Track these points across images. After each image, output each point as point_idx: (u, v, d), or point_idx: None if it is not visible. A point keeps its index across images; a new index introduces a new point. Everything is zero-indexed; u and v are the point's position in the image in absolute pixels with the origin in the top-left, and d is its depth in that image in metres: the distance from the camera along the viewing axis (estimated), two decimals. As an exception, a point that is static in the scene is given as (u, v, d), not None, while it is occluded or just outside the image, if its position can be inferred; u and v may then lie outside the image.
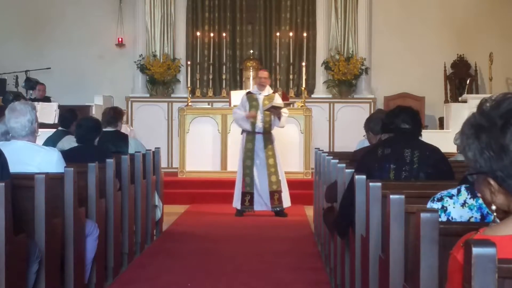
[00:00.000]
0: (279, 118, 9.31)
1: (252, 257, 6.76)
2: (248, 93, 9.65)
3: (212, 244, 7.44)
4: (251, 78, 13.10)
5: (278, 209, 9.34)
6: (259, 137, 9.38)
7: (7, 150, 4.14)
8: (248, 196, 9.36)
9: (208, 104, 12.86)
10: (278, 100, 9.42)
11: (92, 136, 6.08)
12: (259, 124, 9.35)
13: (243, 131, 9.50)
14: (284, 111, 9.38)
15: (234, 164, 11.44)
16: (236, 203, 9.41)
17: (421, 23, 13.59)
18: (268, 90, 9.54)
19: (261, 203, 9.35)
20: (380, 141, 4.70)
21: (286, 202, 9.42)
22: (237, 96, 12.06)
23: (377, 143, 4.91)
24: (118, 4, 13.69)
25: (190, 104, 12.08)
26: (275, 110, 9.27)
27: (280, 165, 9.47)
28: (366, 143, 6.14)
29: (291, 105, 11.75)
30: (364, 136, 6.08)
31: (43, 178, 4.09)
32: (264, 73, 9.68)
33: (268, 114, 9.33)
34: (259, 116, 9.35)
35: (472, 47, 13.57)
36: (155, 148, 8.17)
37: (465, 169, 3.85)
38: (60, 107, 10.42)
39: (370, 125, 5.65)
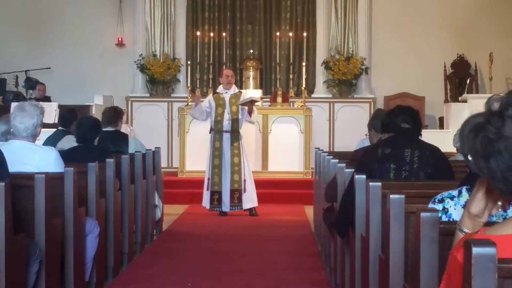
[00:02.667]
0: (251, 114, 9.36)
1: (252, 256, 6.76)
2: (215, 93, 9.69)
3: (212, 244, 7.44)
4: (251, 77, 13.10)
5: (238, 208, 9.32)
6: (226, 136, 9.41)
7: (6, 150, 4.15)
8: (216, 195, 9.36)
9: (208, 104, 12.85)
10: (248, 96, 9.59)
11: (92, 135, 6.07)
12: (226, 123, 9.39)
13: (211, 130, 9.53)
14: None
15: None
16: (204, 203, 9.42)
17: (421, 23, 13.59)
18: (234, 89, 9.59)
19: (225, 204, 9.33)
20: (380, 141, 4.70)
21: (253, 202, 9.37)
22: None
23: (377, 143, 4.91)
24: (118, 4, 13.69)
25: (190, 104, 12.07)
26: (250, 104, 9.33)
27: (247, 164, 9.45)
28: (366, 143, 6.15)
29: (292, 105, 11.77)
30: (366, 135, 6.08)
31: (43, 178, 4.09)
32: (230, 72, 9.78)
33: (235, 113, 9.35)
34: (226, 115, 9.39)
35: (472, 46, 13.57)
36: (155, 148, 8.16)
37: (465, 169, 3.86)
38: (60, 107, 10.42)
39: (373, 122, 5.65)
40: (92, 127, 6.11)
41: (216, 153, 9.42)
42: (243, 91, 9.91)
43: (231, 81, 9.56)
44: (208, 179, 9.40)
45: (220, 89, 9.64)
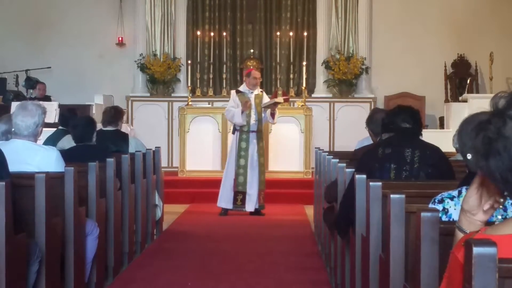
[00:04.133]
0: (273, 116, 9.35)
1: (252, 256, 6.76)
2: (238, 91, 9.62)
3: (212, 243, 7.44)
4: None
5: (259, 208, 9.34)
6: (253, 136, 9.39)
7: (6, 149, 4.14)
8: (240, 195, 9.33)
9: (209, 104, 12.87)
10: (267, 99, 9.59)
11: (89, 132, 6.05)
12: (253, 123, 9.37)
13: (234, 130, 9.49)
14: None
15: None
16: (223, 203, 9.37)
17: (421, 23, 13.59)
18: (257, 90, 9.59)
19: (251, 204, 9.32)
20: (381, 141, 4.69)
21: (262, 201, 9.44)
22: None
23: (377, 143, 4.91)
24: (119, 4, 13.69)
25: (190, 103, 12.08)
26: (273, 106, 9.33)
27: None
28: (366, 142, 6.14)
29: (292, 104, 11.78)
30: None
31: (43, 177, 4.09)
32: (259, 74, 9.78)
33: (260, 113, 9.35)
34: (253, 115, 9.36)
35: (473, 46, 13.57)
36: (156, 147, 8.16)
37: (465, 169, 3.85)
38: (60, 106, 10.42)
39: (370, 126, 5.64)
40: (86, 124, 6.11)
41: (242, 153, 9.36)
42: (264, 93, 9.85)
43: (258, 83, 9.55)
44: (234, 179, 9.34)
45: (244, 88, 9.57)
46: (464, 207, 1.90)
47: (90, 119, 6.28)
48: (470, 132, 1.69)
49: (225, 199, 9.37)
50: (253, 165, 9.36)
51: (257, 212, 9.36)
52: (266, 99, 9.60)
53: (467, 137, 1.71)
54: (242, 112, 9.28)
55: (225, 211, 9.37)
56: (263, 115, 9.41)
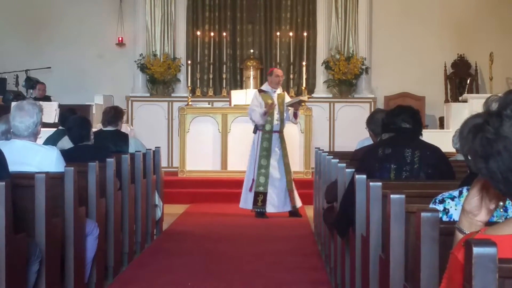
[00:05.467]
0: (296, 115, 9.31)
1: (252, 256, 6.76)
2: (260, 91, 9.54)
3: (212, 243, 7.44)
4: (251, 77, 13.11)
5: (293, 209, 9.27)
6: (275, 136, 9.31)
7: (6, 149, 4.14)
8: (261, 196, 9.23)
9: (209, 104, 12.86)
10: (289, 99, 9.51)
11: (85, 131, 6.03)
12: (276, 123, 9.30)
13: (256, 130, 9.37)
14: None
15: (235, 163, 11.46)
16: (245, 204, 9.31)
17: (421, 23, 13.59)
18: (279, 89, 9.53)
19: (274, 205, 9.23)
20: (381, 141, 4.69)
21: (298, 201, 9.33)
22: (238, 96, 12.07)
23: (377, 143, 4.91)
24: (119, 4, 13.69)
25: (190, 103, 12.08)
26: (298, 105, 9.26)
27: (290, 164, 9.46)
28: (366, 143, 6.14)
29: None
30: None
31: (44, 177, 4.09)
32: (281, 72, 9.67)
33: (282, 112, 9.30)
34: (276, 115, 9.29)
35: (473, 46, 13.57)
36: (156, 147, 8.16)
37: (465, 169, 3.85)
38: (60, 106, 10.42)
39: (371, 126, 5.64)
40: (81, 124, 6.10)
41: (264, 153, 9.25)
42: (285, 92, 9.80)
43: (280, 81, 9.49)
44: (253, 180, 9.27)
45: (266, 87, 9.47)
46: (466, 207, 1.89)
47: (83, 119, 6.25)
48: (466, 136, 1.68)
49: (247, 200, 9.30)
50: (277, 166, 9.26)
51: (294, 213, 9.23)
52: (288, 99, 9.51)
53: (463, 140, 1.71)
54: (265, 113, 9.19)
55: (260, 213, 9.21)
56: (285, 115, 9.32)
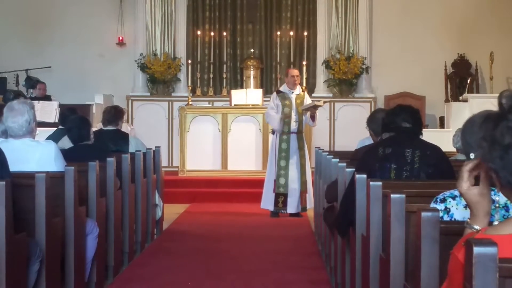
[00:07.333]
0: (313, 118, 9.26)
1: (252, 256, 6.76)
2: (278, 92, 9.50)
3: (212, 243, 7.44)
4: (251, 77, 13.10)
5: (302, 210, 9.25)
6: (293, 137, 9.27)
7: (6, 148, 4.13)
8: (281, 197, 9.20)
9: (209, 103, 12.86)
10: (309, 99, 9.44)
11: (85, 131, 6.02)
12: (293, 124, 9.26)
13: (274, 130, 9.38)
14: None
15: (235, 163, 11.46)
16: (266, 205, 9.27)
17: (422, 23, 13.58)
18: (298, 89, 9.48)
19: (292, 205, 9.21)
20: (381, 141, 4.69)
21: (309, 202, 9.29)
22: (238, 95, 12.08)
23: (377, 142, 4.90)
24: (119, 3, 13.69)
25: (190, 103, 12.09)
26: (313, 109, 9.20)
27: (309, 166, 9.38)
28: (367, 142, 6.14)
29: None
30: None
31: (44, 177, 4.09)
32: (296, 72, 9.59)
33: (301, 114, 9.27)
34: (293, 116, 9.25)
35: (473, 46, 13.56)
36: (156, 147, 8.16)
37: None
38: (60, 106, 10.42)
39: (371, 126, 5.64)
40: (80, 123, 6.09)
41: (283, 154, 9.22)
42: (305, 93, 9.73)
43: (297, 81, 9.40)
44: (274, 180, 9.23)
45: (284, 88, 9.45)
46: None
47: (82, 119, 6.24)
48: (484, 125, 1.67)
49: (267, 201, 9.26)
50: (295, 167, 9.21)
51: (295, 213, 9.22)
52: (308, 99, 9.45)
53: (472, 134, 1.70)
54: (281, 119, 9.17)
55: (275, 213, 9.21)
56: (303, 116, 9.28)
